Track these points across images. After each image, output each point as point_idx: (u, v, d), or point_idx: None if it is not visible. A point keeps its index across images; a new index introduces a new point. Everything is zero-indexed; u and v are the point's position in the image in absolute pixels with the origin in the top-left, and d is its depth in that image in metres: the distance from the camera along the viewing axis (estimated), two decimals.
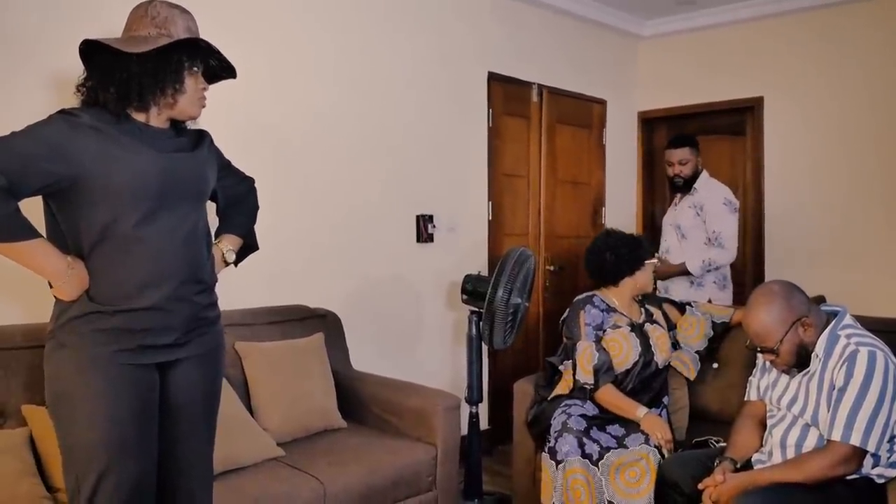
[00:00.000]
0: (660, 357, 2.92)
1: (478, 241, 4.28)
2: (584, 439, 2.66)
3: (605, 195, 5.19)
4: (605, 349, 2.86)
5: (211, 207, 2.03)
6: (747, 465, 2.33)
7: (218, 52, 1.88)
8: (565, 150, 4.86)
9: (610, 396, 2.82)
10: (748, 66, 4.90)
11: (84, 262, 1.73)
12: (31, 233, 1.67)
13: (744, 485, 2.16)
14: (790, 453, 2.23)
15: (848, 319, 2.25)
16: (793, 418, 2.25)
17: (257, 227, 2.23)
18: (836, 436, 2.08)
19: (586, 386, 2.83)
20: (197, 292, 1.86)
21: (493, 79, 4.34)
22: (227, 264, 2.10)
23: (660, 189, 5.46)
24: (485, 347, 3.13)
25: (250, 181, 2.21)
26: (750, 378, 2.52)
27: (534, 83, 4.61)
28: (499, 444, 4.26)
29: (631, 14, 5.10)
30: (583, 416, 2.77)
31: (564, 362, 2.96)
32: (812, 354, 2.21)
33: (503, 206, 4.46)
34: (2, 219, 1.61)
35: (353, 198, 3.63)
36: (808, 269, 4.46)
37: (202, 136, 1.97)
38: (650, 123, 5.47)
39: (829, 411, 2.13)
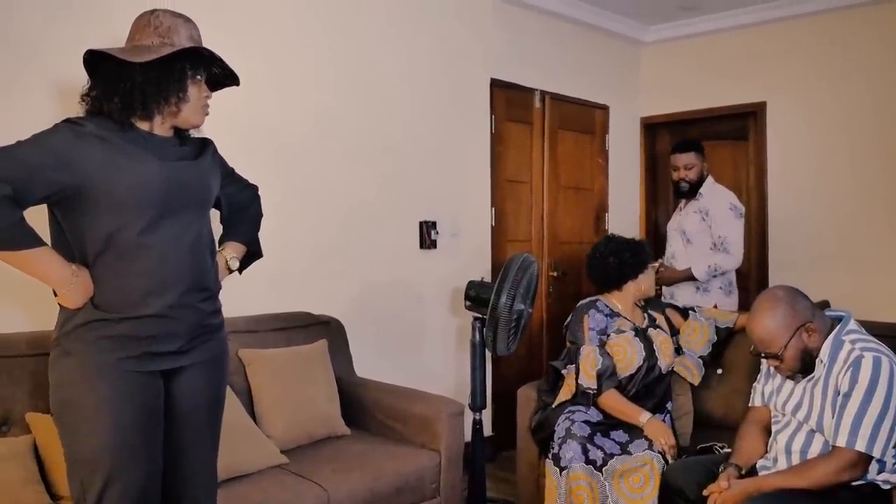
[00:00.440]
0: (663, 362, 2.91)
1: (481, 247, 4.28)
2: (588, 445, 2.66)
3: (607, 201, 5.19)
4: (608, 354, 2.86)
5: (215, 215, 2.04)
6: (752, 472, 2.32)
7: (221, 60, 1.89)
8: (568, 156, 4.87)
9: (613, 401, 2.81)
10: (751, 72, 4.90)
11: (89, 269, 1.74)
12: (36, 241, 1.68)
13: (749, 491, 2.16)
14: (795, 459, 2.22)
15: (852, 325, 2.24)
16: (798, 424, 2.25)
17: (261, 234, 2.24)
18: (842, 442, 2.07)
19: (589, 391, 2.82)
20: (201, 299, 1.86)
21: (496, 85, 4.35)
22: (230, 271, 2.11)
23: (663, 194, 5.45)
24: (488, 354, 3.12)
25: (254, 189, 2.22)
26: (754, 384, 2.51)
27: (536, 89, 4.62)
28: (502, 450, 4.25)
29: (633, 20, 5.10)
30: (586, 422, 2.77)
31: (568, 366, 2.95)
32: (816, 360, 2.20)
33: (506, 212, 4.47)
34: (7, 227, 1.62)
35: (356, 204, 3.63)
36: (812, 274, 4.45)
37: (206, 144, 1.98)
38: (653, 129, 5.47)
39: (833, 417, 2.12)
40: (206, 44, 1.88)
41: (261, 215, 2.24)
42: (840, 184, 4.55)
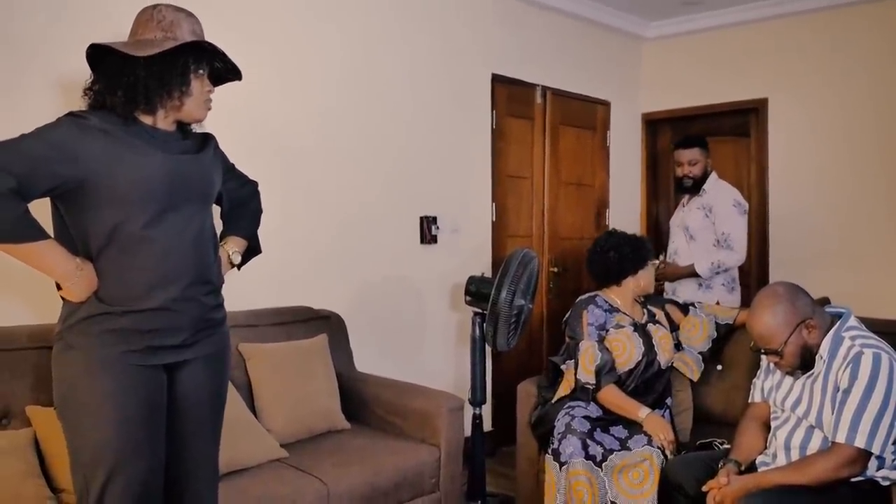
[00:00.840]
0: (662, 357, 2.91)
1: (481, 242, 4.28)
2: (588, 441, 2.66)
3: (608, 197, 5.18)
4: (607, 349, 2.86)
5: (215, 210, 2.04)
6: (752, 468, 2.32)
7: (223, 55, 1.89)
8: (569, 152, 4.86)
9: (612, 396, 2.82)
10: (752, 68, 4.89)
11: (92, 263, 1.74)
12: (40, 234, 1.68)
13: (748, 487, 2.16)
14: (794, 455, 2.22)
15: (852, 321, 2.25)
16: (797, 420, 2.25)
17: (261, 229, 2.24)
18: (841, 438, 2.07)
19: (587, 386, 2.82)
20: (205, 293, 1.87)
21: (497, 80, 4.35)
22: (232, 266, 2.11)
23: (664, 190, 5.45)
24: (488, 349, 3.12)
25: (254, 185, 2.22)
26: (754, 380, 2.52)
27: (537, 85, 4.61)
28: (502, 445, 4.26)
29: (635, 15, 5.09)
30: (586, 417, 2.77)
31: (567, 362, 2.96)
32: (816, 356, 2.21)
33: (507, 207, 4.47)
34: (12, 220, 1.62)
35: (357, 199, 3.63)
36: (813, 271, 4.45)
37: (208, 139, 1.98)
38: (654, 125, 5.47)
39: (833, 413, 2.12)
40: (209, 39, 1.88)
41: (261, 211, 2.24)
42: (841, 181, 4.55)
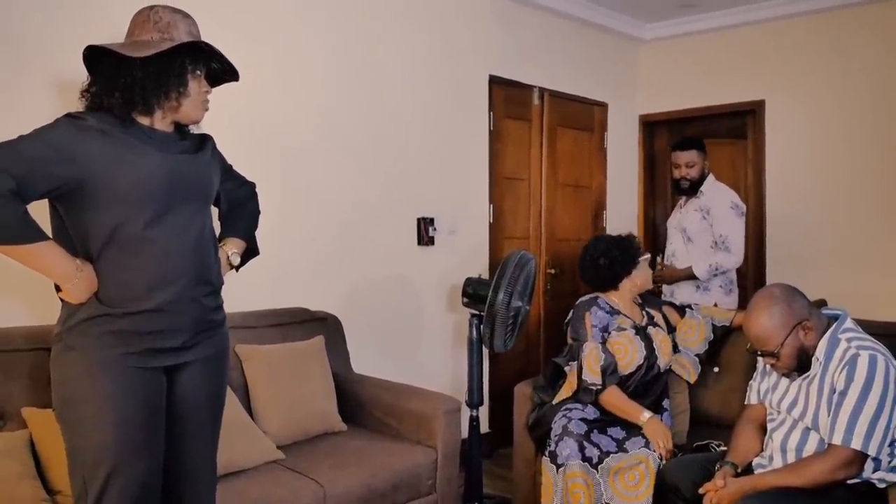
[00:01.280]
0: (662, 360, 2.92)
1: (479, 244, 4.28)
2: (585, 443, 2.66)
3: (606, 198, 5.19)
4: (609, 352, 2.86)
5: (213, 212, 2.04)
6: (748, 470, 2.32)
7: (220, 55, 1.89)
8: (566, 154, 4.87)
9: (614, 399, 2.81)
10: (749, 70, 4.90)
11: (92, 264, 1.74)
12: (40, 235, 1.68)
13: (744, 489, 2.16)
14: (791, 457, 2.22)
15: (849, 323, 2.25)
16: (793, 422, 2.25)
17: (258, 230, 2.24)
18: (837, 440, 2.07)
19: (593, 387, 2.82)
20: (205, 294, 1.87)
21: (495, 82, 4.35)
22: (231, 267, 2.11)
23: (661, 192, 5.46)
24: (485, 350, 3.13)
25: (251, 186, 2.22)
26: (750, 382, 2.52)
27: (535, 86, 4.61)
28: (499, 447, 4.26)
29: (632, 17, 5.10)
30: (583, 419, 2.77)
31: (570, 363, 2.95)
32: (812, 358, 2.21)
33: (504, 209, 4.47)
34: (11, 222, 1.61)
35: (355, 200, 3.63)
36: (810, 273, 4.46)
37: (205, 140, 1.98)
38: (651, 127, 5.48)
39: (829, 415, 2.12)
40: (206, 40, 1.88)
41: (258, 212, 2.24)
42: (838, 182, 4.56)
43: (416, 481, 2.79)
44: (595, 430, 2.74)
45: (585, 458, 2.63)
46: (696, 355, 3.07)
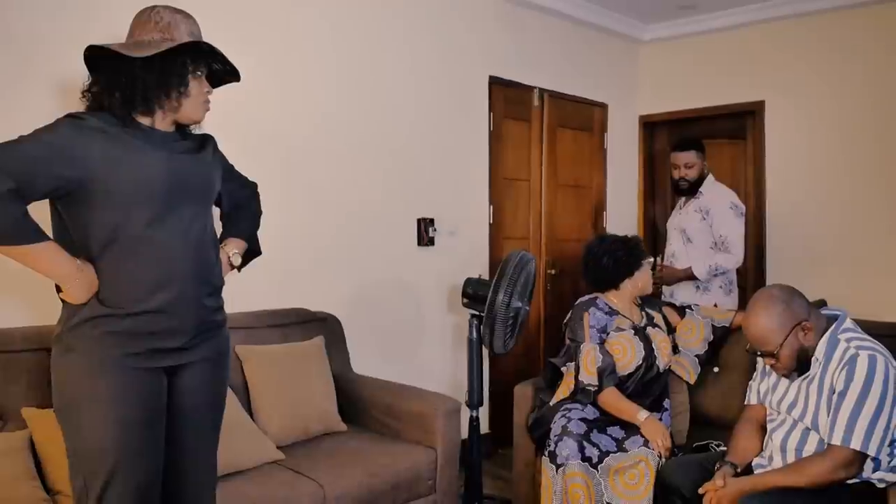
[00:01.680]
0: (661, 361, 2.92)
1: (479, 244, 4.29)
2: (584, 443, 2.66)
3: (605, 199, 5.19)
4: (608, 352, 2.86)
5: (215, 212, 2.04)
6: (748, 470, 2.33)
7: (221, 56, 1.89)
8: (566, 154, 4.87)
9: (612, 399, 2.81)
10: (749, 71, 4.90)
11: (93, 264, 1.73)
12: (40, 236, 1.67)
13: (744, 489, 2.16)
14: (790, 457, 2.23)
15: (848, 323, 2.25)
16: (793, 422, 2.25)
17: (259, 230, 2.23)
18: (837, 440, 2.08)
19: (590, 387, 2.82)
20: (206, 294, 1.86)
21: (495, 83, 4.35)
22: (232, 268, 2.10)
23: (661, 192, 5.46)
24: (485, 351, 3.12)
25: (253, 186, 2.22)
26: (750, 382, 2.52)
27: (535, 87, 4.62)
28: (499, 447, 4.26)
29: (632, 18, 5.10)
30: (583, 419, 2.77)
31: (567, 364, 2.96)
32: (812, 358, 2.21)
33: (504, 209, 4.47)
34: (11, 222, 1.61)
35: (355, 201, 3.63)
36: (809, 273, 4.46)
37: (207, 140, 1.98)
38: (651, 127, 5.48)
39: (829, 415, 2.13)
40: (207, 41, 1.88)
41: (260, 213, 2.24)
42: (838, 183, 4.56)
43: (416, 482, 2.79)
44: (595, 430, 2.74)
45: (585, 458, 2.63)
46: (696, 356, 3.07)
